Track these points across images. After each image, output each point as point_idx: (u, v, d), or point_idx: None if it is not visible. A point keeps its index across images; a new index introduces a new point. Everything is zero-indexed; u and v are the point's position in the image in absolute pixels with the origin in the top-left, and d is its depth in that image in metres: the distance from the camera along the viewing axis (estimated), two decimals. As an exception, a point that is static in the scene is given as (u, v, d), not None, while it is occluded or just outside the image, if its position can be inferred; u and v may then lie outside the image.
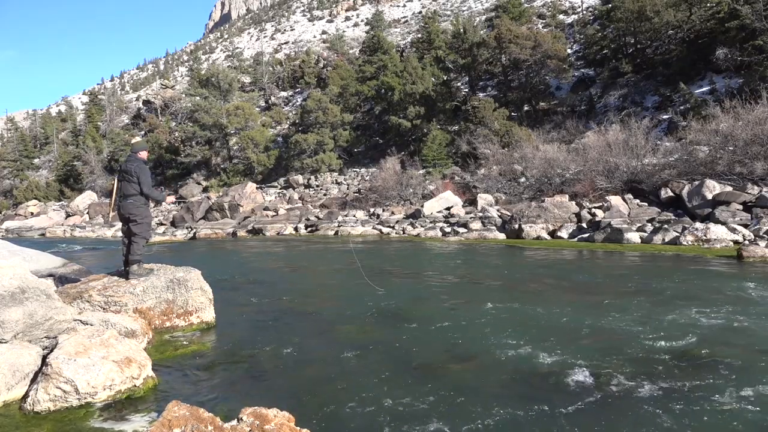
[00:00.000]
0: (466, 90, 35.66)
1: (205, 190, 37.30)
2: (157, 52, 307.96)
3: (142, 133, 50.44)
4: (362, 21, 75.09)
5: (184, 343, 5.44)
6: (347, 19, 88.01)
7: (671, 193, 15.93)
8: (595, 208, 16.36)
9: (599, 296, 7.26)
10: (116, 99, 68.72)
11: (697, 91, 23.75)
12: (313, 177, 33.09)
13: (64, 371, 3.81)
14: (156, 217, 29.31)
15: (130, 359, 4.16)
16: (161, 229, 26.84)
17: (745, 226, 12.60)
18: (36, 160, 59.38)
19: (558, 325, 5.76)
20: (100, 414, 3.69)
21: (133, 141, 6.56)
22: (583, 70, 33.23)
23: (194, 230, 24.59)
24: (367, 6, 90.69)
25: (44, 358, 4.07)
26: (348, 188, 30.71)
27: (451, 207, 21.16)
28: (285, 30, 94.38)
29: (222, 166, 39.32)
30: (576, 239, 14.48)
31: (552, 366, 4.47)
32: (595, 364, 4.46)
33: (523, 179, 22.21)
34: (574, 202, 17.35)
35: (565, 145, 22.73)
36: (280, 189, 33.62)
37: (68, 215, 38.29)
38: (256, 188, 33.18)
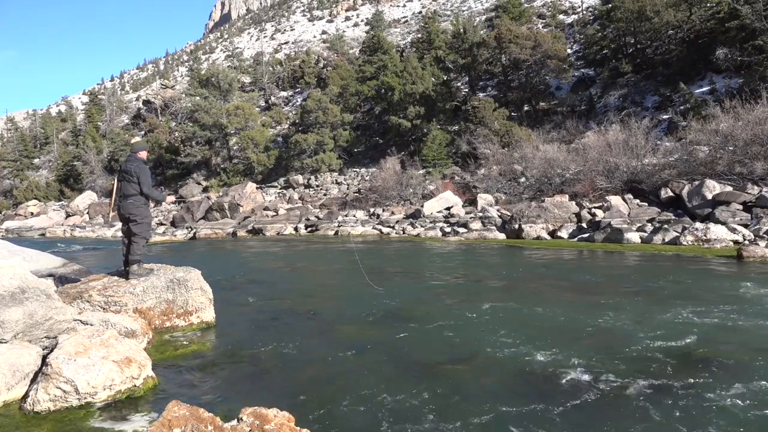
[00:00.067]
0: (466, 90, 35.66)
1: (205, 190, 37.31)
2: (157, 52, 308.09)
3: (142, 133, 50.45)
4: (362, 21, 75.10)
5: (184, 343, 5.44)
6: (347, 19, 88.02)
7: (671, 193, 15.93)
8: (595, 208, 16.36)
9: (599, 296, 7.27)
10: (116, 99, 68.74)
11: (697, 91, 23.75)
12: (313, 177, 33.10)
13: (64, 371, 3.81)
14: (156, 217, 29.31)
15: (130, 359, 4.16)
16: (161, 229, 26.84)
17: (745, 226, 12.60)
18: (36, 160, 59.40)
19: (557, 325, 5.76)
20: (100, 414, 3.69)
21: (133, 141, 6.56)
22: (583, 70, 33.23)
23: (194, 230, 24.60)
24: (367, 6, 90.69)
25: (44, 358, 4.07)
26: (348, 188, 30.71)
27: (451, 207, 21.16)
28: (285, 30, 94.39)
29: (222, 166, 39.33)
30: (576, 239, 14.48)
31: (551, 366, 4.47)
32: (594, 364, 4.46)
33: (523, 179, 22.21)
34: (574, 202, 17.35)
35: (565, 145, 22.73)
36: (280, 189, 33.62)
37: (68, 215, 38.29)
38: (256, 188, 33.17)
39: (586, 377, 4.20)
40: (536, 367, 4.46)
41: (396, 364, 4.66)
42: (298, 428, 2.92)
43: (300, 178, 33.37)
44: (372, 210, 24.30)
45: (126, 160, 6.19)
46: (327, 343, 5.39)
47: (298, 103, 47.55)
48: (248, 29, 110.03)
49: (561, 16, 47.45)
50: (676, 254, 11.20)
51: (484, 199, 20.80)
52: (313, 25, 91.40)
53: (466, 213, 20.04)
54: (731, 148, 16.35)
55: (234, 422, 2.91)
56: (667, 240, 12.57)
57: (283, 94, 54.35)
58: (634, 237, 13.09)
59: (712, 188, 14.51)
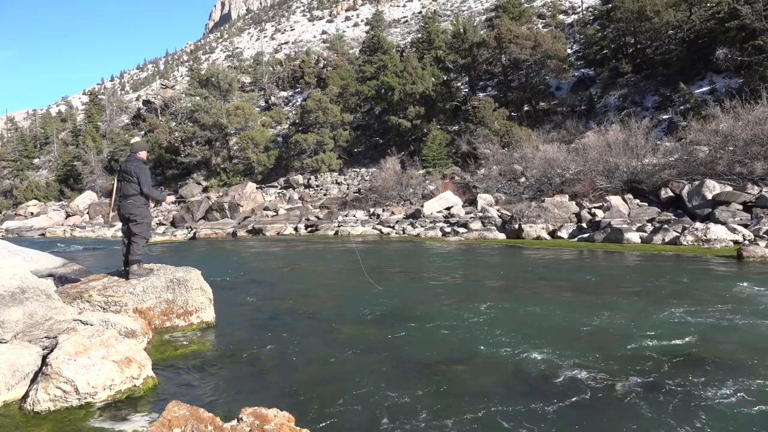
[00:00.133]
0: (466, 90, 35.66)
1: (205, 190, 37.31)
2: (157, 52, 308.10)
3: (142, 133, 50.46)
4: (362, 21, 75.11)
5: (184, 343, 5.44)
6: (347, 19, 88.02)
7: (671, 193, 15.94)
8: (595, 208, 16.36)
9: (598, 296, 7.27)
10: (116, 99, 68.74)
11: (697, 91, 23.76)
12: (313, 177, 33.10)
13: (64, 371, 3.81)
14: (156, 217, 29.31)
15: (130, 359, 4.16)
16: (161, 229, 26.84)
17: (745, 226, 12.60)
18: (36, 160, 59.40)
19: (556, 325, 5.76)
20: (100, 414, 3.69)
21: (133, 141, 6.55)
22: (583, 70, 33.23)
23: (194, 230, 24.60)
24: (367, 6, 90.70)
25: (44, 358, 4.07)
26: (348, 188, 30.72)
27: (451, 207, 21.17)
28: (285, 30, 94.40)
29: (222, 166, 39.33)
30: (576, 239, 14.48)
31: (549, 365, 4.47)
32: (592, 364, 4.47)
33: (523, 179, 22.21)
34: (574, 202, 17.36)
35: (565, 145, 22.74)
36: (280, 189, 33.63)
37: (68, 215, 38.29)
38: (256, 188, 33.19)
39: (583, 377, 4.20)
40: (534, 367, 4.47)
41: (395, 364, 4.66)
42: (298, 428, 2.92)
43: (300, 178, 33.38)
44: (372, 210, 24.30)
45: (126, 160, 6.19)
46: (327, 343, 5.40)
47: (298, 103, 47.56)
48: (248, 29, 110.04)
49: (561, 16, 47.45)
50: (676, 254, 11.20)
51: (484, 199, 20.80)
52: (313, 25, 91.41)
53: (466, 213, 20.04)
54: (731, 148, 16.35)
55: (234, 422, 2.91)
56: (667, 240, 12.57)
57: (283, 94, 54.35)
58: (634, 237, 13.09)
59: (712, 188, 14.51)
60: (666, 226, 13.21)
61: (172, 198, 8.57)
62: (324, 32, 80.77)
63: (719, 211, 13.59)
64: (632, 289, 7.72)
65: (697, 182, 15.16)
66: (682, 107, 23.04)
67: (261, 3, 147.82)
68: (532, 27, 35.05)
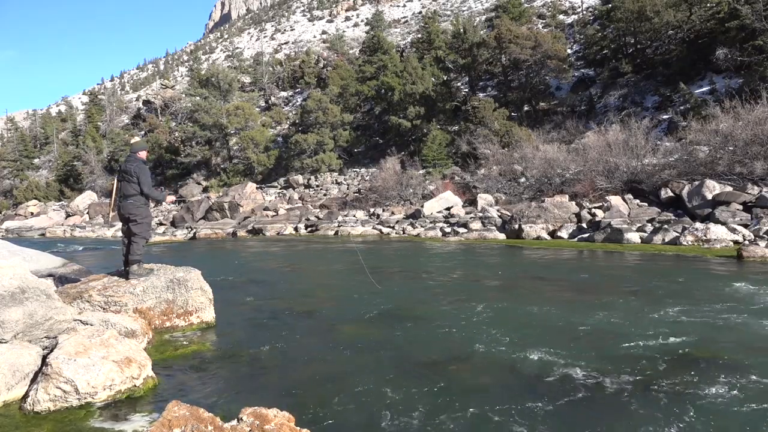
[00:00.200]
0: (466, 90, 35.66)
1: (205, 190, 37.32)
2: (157, 52, 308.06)
3: (142, 133, 50.46)
4: (362, 21, 75.11)
5: (184, 343, 5.44)
6: (347, 19, 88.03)
7: (671, 193, 15.94)
8: (595, 208, 16.36)
9: (597, 296, 7.27)
10: (116, 99, 68.74)
11: (697, 91, 23.76)
12: (313, 177, 33.10)
13: (64, 371, 3.81)
14: (156, 217, 29.32)
15: (130, 359, 4.16)
16: (161, 229, 26.84)
17: (745, 226, 12.60)
18: (36, 160, 59.40)
19: (555, 325, 5.76)
20: (100, 414, 3.69)
21: (133, 141, 6.55)
22: (583, 70, 33.24)
23: (194, 230, 24.60)
24: (367, 6, 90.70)
25: (44, 358, 4.07)
26: (348, 188, 30.72)
27: (451, 207, 21.17)
28: (285, 30, 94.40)
29: (222, 166, 39.33)
30: (576, 239, 14.48)
31: (548, 365, 4.48)
32: (591, 363, 4.47)
33: (523, 179, 22.22)
34: (574, 202, 17.36)
35: (565, 145, 22.74)
36: (280, 189, 33.63)
37: (68, 215, 38.30)
38: (256, 188, 33.20)
39: (581, 376, 4.22)
40: (533, 366, 4.48)
41: (395, 364, 4.67)
42: (298, 428, 2.92)
43: (300, 178, 33.38)
44: (372, 210, 24.30)
45: (126, 160, 6.19)
46: (327, 343, 5.40)
47: (298, 103, 47.56)
48: (248, 29, 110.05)
49: (561, 16, 47.45)
50: (676, 254, 11.20)
51: (484, 199, 20.81)
52: (313, 25, 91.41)
53: (466, 213, 20.04)
54: (731, 148, 16.35)
55: (234, 422, 2.91)
56: (667, 240, 12.57)
57: (283, 94, 54.36)
58: (634, 237, 13.09)
59: (712, 188, 14.51)
60: (666, 226, 13.21)
61: (172, 198, 8.57)
62: (324, 32, 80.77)
63: (719, 211, 13.59)
64: (632, 289, 7.72)
65: (697, 182, 15.16)
66: (682, 107, 23.04)
67: (261, 3, 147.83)
68: (532, 27, 35.06)
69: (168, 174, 42.08)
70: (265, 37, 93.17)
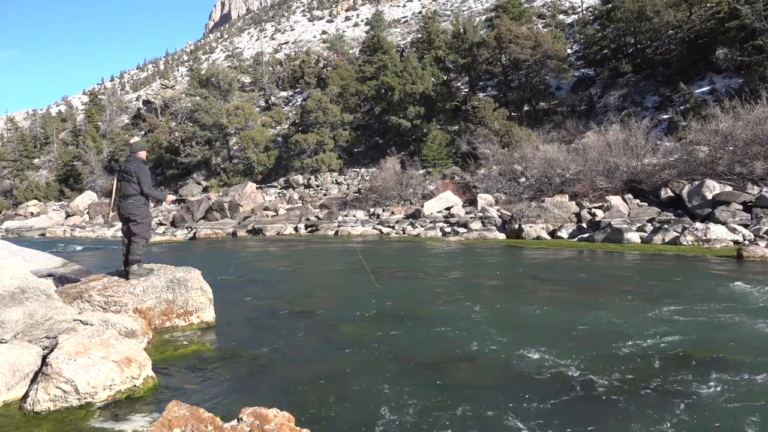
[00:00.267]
0: (466, 90, 35.67)
1: (205, 190, 37.31)
2: (157, 52, 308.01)
3: (142, 133, 50.46)
4: (362, 21, 75.11)
5: (184, 343, 5.44)
6: (347, 19, 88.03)
7: (671, 193, 15.94)
8: (595, 208, 16.36)
9: (597, 296, 7.28)
10: (116, 99, 68.74)
11: (697, 91, 23.76)
12: (313, 177, 33.10)
13: (64, 371, 3.81)
14: (156, 217, 29.32)
15: (130, 359, 4.16)
16: (161, 229, 26.84)
17: (745, 226, 12.60)
18: (36, 160, 59.40)
19: (554, 325, 5.77)
20: (100, 414, 3.69)
21: (133, 141, 6.55)
22: (583, 70, 33.24)
23: (194, 230, 24.60)
24: (367, 6, 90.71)
25: (44, 358, 4.07)
26: (348, 188, 30.72)
27: (451, 207, 21.17)
28: (285, 30, 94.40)
29: (222, 166, 39.33)
30: (576, 239, 14.48)
31: (546, 364, 4.48)
32: (589, 363, 4.48)
33: (523, 179, 22.22)
34: (574, 202, 17.36)
35: (565, 145, 22.74)
36: (280, 189, 33.63)
37: (68, 215, 38.30)
38: (256, 188, 33.19)
39: (579, 375, 4.22)
40: (532, 366, 4.49)
41: (395, 364, 4.67)
42: (298, 428, 2.92)
43: (300, 178, 33.38)
44: (372, 210, 24.30)
45: (126, 160, 6.19)
46: (327, 343, 5.40)
47: (298, 103, 47.56)
48: (248, 29, 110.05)
49: (561, 16, 47.45)
50: (676, 254, 11.20)
51: (484, 199, 20.81)
52: (313, 25, 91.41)
53: (466, 213, 20.04)
54: (731, 148, 16.35)
55: (234, 422, 2.91)
56: (667, 240, 12.57)
57: (283, 94, 54.36)
58: (634, 237, 13.09)
59: (712, 188, 14.51)
60: (666, 226, 13.21)
61: (172, 197, 8.56)
62: (324, 32, 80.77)
63: (719, 211, 13.59)
64: (631, 289, 7.72)
65: (697, 182, 15.16)
66: (682, 107, 23.04)
67: (261, 3, 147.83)
68: (532, 27, 35.05)
69: (168, 174, 42.08)
70: (265, 37, 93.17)
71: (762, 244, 10.80)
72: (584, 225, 15.34)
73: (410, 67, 31.55)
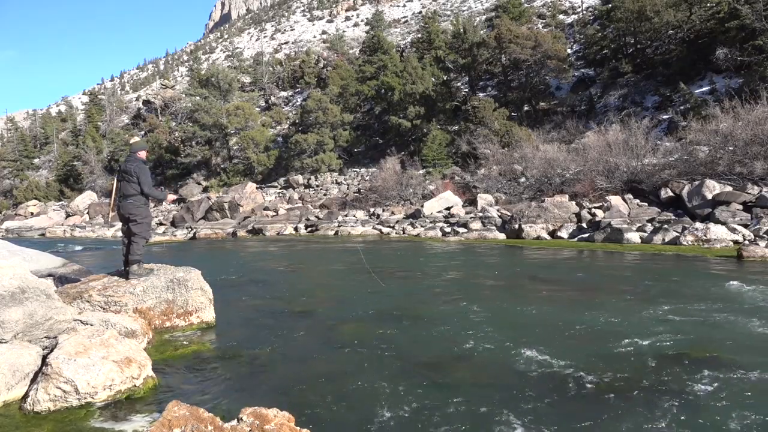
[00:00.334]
0: (466, 90, 35.67)
1: (205, 190, 37.31)
2: (157, 52, 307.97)
3: (142, 133, 50.46)
4: (362, 21, 75.11)
5: (184, 343, 5.44)
6: (347, 19, 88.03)
7: (671, 193, 15.94)
8: (595, 208, 16.36)
9: (596, 296, 7.28)
10: (116, 99, 68.74)
11: (697, 91, 23.76)
12: (313, 177, 33.10)
13: (64, 371, 3.81)
14: (156, 217, 29.33)
15: (130, 359, 4.16)
16: (161, 229, 26.85)
17: (745, 226, 12.60)
18: (36, 160, 59.40)
19: (554, 325, 5.76)
20: (100, 414, 3.69)
21: (132, 141, 6.55)
22: (583, 70, 33.23)
23: (194, 230, 24.60)
24: (367, 6, 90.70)
25: (44, 358, 4.07)
26: (348, 188, 30.72)
27: (451, 207, 21.17)
28: (285, 30, 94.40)
29: (222, 166, 39.33)
30: (576, 239, 14.48)
31: (546, 364, 4.49)
32: (588, 363, 4.49)
33: (523, 179, 22.22)
34: (574, 202, 17.36)
35: (565, 145, 22.74)
36: (280, 189, 33.63)
37: (68, 215, 38.30)
38: (256, 188, 33.18)
39: (578, 375, 4.23)
40: (531, 365, 4.50)
41: (395, 363, 4.67)
42: (298, 428, 2.92)
43: (300, 178, 33.38)
44: (372, 210, 24.30)
45: (126, 160, 6.19)
46: (327, 343, 5.40)
47: (298, 103, 47.56)
48: (248, 29, 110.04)
49: (561, 16, 47.45)
50: (676, 254, 11.20)
51: (484, 199, 20.81)
52: (313, 25, 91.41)
53: (466, 213, 20.04)
54: (731, 148, 16.35)
55: (234, 422, 2.91)
56: (667, 240, 12.57)
57: (283, 94, 54.36)
58: (634, 237, 13.09)
59: (712, 188, 14.51)
60: (666, 226, 13.21)
61: (173, 196, 8.56)
62: (324, 32, 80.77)
63: (719, 211, 13.60)
64: (630, 289, 7.72)
65: (697, 182, 15.16)
66: (682, 107, 23.04)
67: (261, 3, 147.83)
68: (532, 27, 35.05)
69: (168, 174, 42.08)
70: (265, 37, 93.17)
71: (762, 244, 10.80)
72: (584, 225, 15.34)
73: (410, 67, 31.55)
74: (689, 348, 4.83)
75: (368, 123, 37.59)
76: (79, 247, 19.81)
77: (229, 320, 6.38)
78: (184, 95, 52.58)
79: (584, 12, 44.91)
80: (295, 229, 22.80)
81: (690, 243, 11.97)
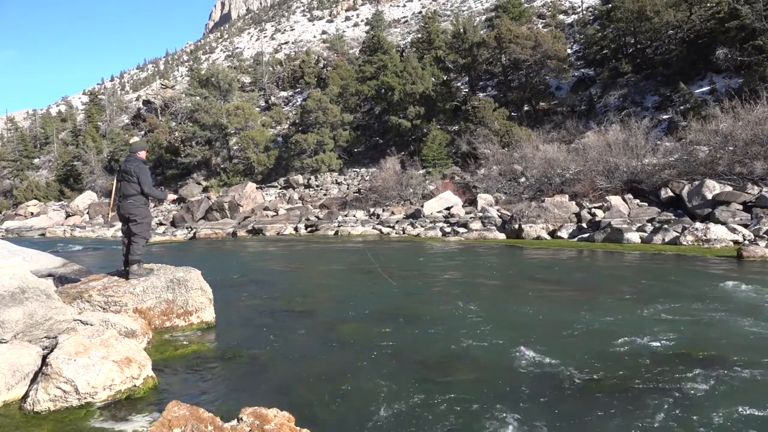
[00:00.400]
0: (466, 90, 35.66)
1: (205, 190, 37.31)
2: (157, 52, 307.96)
3: (142, 133, 50.46)
4: (362, 21, 75.10)
5: (184, 343, 5.44)
6: (347, 19, 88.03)
7: (671, 193, 15.94)
8: (595, 208, 16.36)
9: (595, 296, 7.28)
10: (116, 99, 68.73)
11: (697, 91, 23.75)
12: (313, 177, 33.10)
13: (64, 371, 3.81)
14: (156, 217, 29.33)
15: (130, 359, 4.16)
16: (161, 229, 26.85)
17: (745, 226, 12.60)
18: (36, 160, 59.40)
19: (553, 325, 5.77)
20: (100, 414, 3.69)
21: (132, 141, 6.55)
22: (583, 70, 33.23)
23: (194, 230, 24.60)
24: (367, 6, 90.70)
25: (44, 358, 4.07)
26: (348, 188, 30.72)
27: (451, 207, 21.17)
28: (285, 30, 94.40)
29: (222, 166, 39.33)
30: (576, 239, 14.48)
31: (545, 364, 4.50)
32: (585, 362, 4.50)
33: (523, 179, 22.22)
34: (574, 202, 17.36)
35: (565, 145, 22.74)
36: (280, 189, 33.63)
37: (68, 215, 38.30)
38: (256, 188, 33.18)
39: (574, 374, 4.25)
40: (530, 365, 4.51)
41: (395, 363, 4.67)
42: (298, 428, 2.92)
43: (300, 178, 33.38)
44: (372, 210, 24.30)
45: (125, 160, 6.19)
46: (327, 343, 5.40)
47: (298, 103, 47.56)
48: (248, 29, 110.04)
49: (561, 16, 47.45)
50: (676, 254, 11.20)
51: (484, 199, 20.81)
52: (313, 25, 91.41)
53: (466, 213, 20.04)
54: (731, 148, 16.35)
55: (234, 422, 2.91)
56: (667, 240, 12.57)
57: (283, 94, 54.36)
58: (634, 237, 13.09)
59: (712, 188, 14.51)
60: (666, 226, 13.21)
61: (173, 196, 8.55)
62: (324, 32, 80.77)
63: (719, 211, 13.59)
64: (630, 289, 7.72)
65: (697, 182, 15.16)
66: (682, 107, 23.04)
67: (261, 3, 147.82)
68: (532, 27, 35.05)
69: (168, 174, 42.08)
70: (265, 37, 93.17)
71: (762, 244, 10.80)
72: (584, 225, 15.34)
73: (410, 67, 31.55)
74: (687, 347, 4.84)
75: (368, 123, 37.59)
76: (79, 247, 19.81)
77: (229, 320, 6.38)
78: (184, 95, 52.58)
79: (584, 12, 44.91)
80: (295, 229, 22.80)
81: (690, 243, 11.97)
